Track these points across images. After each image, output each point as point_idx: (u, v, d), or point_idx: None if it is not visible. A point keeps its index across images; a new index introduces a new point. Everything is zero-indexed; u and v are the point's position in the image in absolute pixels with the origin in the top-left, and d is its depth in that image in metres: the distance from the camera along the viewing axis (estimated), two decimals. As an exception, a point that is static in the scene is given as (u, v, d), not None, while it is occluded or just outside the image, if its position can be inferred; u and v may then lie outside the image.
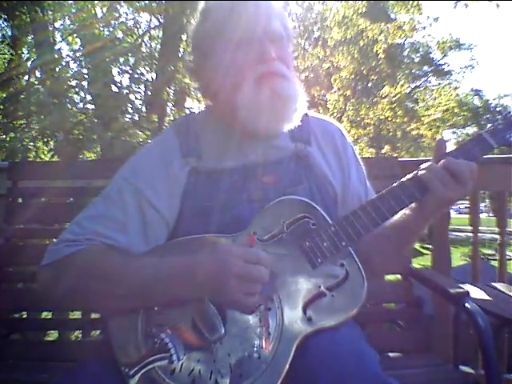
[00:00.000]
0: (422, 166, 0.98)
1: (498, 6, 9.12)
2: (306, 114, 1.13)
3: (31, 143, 8.19)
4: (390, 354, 1.53)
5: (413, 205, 0.99)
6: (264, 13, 1.02)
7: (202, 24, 1.07)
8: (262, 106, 0.98)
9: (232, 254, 0.87)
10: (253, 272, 0.86)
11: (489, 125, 1.03)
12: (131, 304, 0.91)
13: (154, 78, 9.37)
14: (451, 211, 2.16)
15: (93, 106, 8.47)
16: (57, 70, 8.24)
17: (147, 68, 9.80)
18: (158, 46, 9.90)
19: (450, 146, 1.04)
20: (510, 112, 1.03)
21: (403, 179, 0.99)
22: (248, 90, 0.98)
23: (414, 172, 0.99)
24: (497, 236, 2.16)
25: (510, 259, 2.64)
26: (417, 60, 18.70)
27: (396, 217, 1.00)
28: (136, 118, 8.37)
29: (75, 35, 9.18)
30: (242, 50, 1.00)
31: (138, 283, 0.91)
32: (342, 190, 1.13)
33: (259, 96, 0.98)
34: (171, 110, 9.63)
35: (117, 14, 9.42)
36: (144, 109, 8.88)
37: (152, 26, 10.37)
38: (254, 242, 0.92)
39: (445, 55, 19.19)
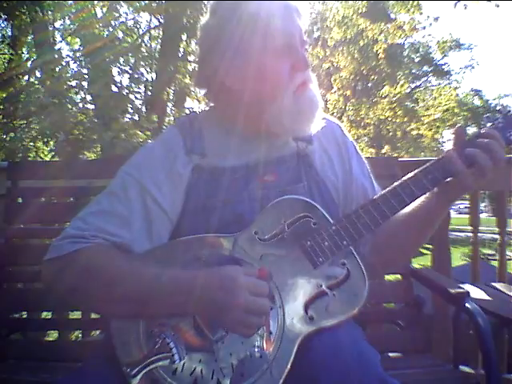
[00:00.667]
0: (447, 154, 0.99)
1: (497, 5, 9.12)
2: None
3: (31, 143, 8.19)
4: (390, 354, 1.53)
5: (435, 190, 1.00)
6: (294, 12, 1.03)
7: (212, 18, 1.05)
8: (300, 114, 1.02)
9: (239, 283, 0.85)
10: (257, 305, 0.85)
11: (489, 124, 1.04)
12: (129, 309, 0.90)
13: (154, 78, 9.37)
14: (451, 211, 2.15)
15: (93, 106, 8.47)
16: (57, 70, 8.24)
17: (147, 68, 9.81)
18: (158, 46, 9.90)
19: (451, 146, 1.04)
20: (510, 111, 1.03)
21: (405, 178, 1.00)
22: (287, 99, 1.01)
23: (419, 169, 0.99)
24: (497, 236, 2.16)
25: (510, 259, 2.64)
26: (417, 60, 18.70)
27: (414, 206, 1.02)
28: (136, 118, 8.37)
29: (75, 35, 9.18)
30: (277, 55, 1.00)
31: (138, 290, 0.90)
32: (344, 185, 1.13)
33: (298, 105, 1.02)
34: (171, 110, 9.63)
35: (117, 14, 9.42)
36: (144, 109, 8.88)
37: (152, 26, 10.37)
38: (265, 276, 0.90)
39: (445, 55, 19.20)
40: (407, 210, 1.02)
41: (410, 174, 1.00)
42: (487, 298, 1.64)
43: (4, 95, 8.38)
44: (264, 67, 1.01)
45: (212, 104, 1.16)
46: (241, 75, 1.02)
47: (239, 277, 0.86)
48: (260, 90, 1.02)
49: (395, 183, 1.00)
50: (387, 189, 1.00)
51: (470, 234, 2.22)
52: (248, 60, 1.01)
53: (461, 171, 0.95)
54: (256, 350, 0.87)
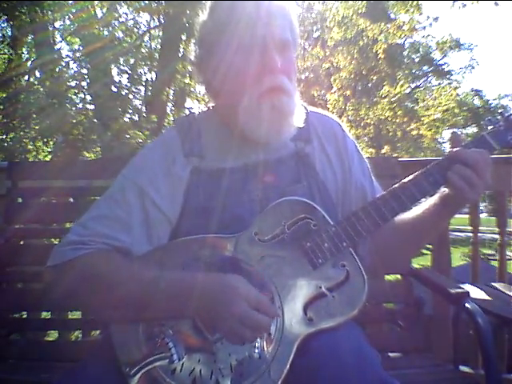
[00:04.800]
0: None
1: (496, 4, 9.12)
2: (306, 110, 1.14)
3: (31, 143, 8.19)
4: (390, 354, 1.53)
5: (436, 200, 1.00)
6: (273, 17, 1.01)
7: (210, 20, 1.06)
8: (262, 120, 0.99)
9: (239, 293, 0.86)
10: (254, 319, 0.85)
11: (490, 126, 1.04)
12: (129, 313, 0.91)
13: (154, 78, 9.37)
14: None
15: (92, 107, 8.46)
16: (57, 70, 8.23)
17: (147, 68, 9.80)
18: (158, 46, 9.89)
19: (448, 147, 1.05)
20: (511, 114, 1.03)
21: (406, 181, 1.00)
22: (250, 102, 0.99)
23: (420, 171, 0.99)
24: (497, 236, 2.16)
25: (510, 259, 2.64)
26: (417, 60, 18.70)
27: (415, 212, 1.02)
28: (136, 118, 8.37)
29: (75, 35, 9.17)
30: (248, 56, 0.99)
31: (138, 294, 0.91)
32: (342, 185, 1.13)
33: (260, 110, 0.99)
34: (171, 110, 9.63)
35: (117, 14, 9.42)
36: (144, 109, 8.88)
37: (152, 25, 10.36)
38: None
39: (445, 55, 19.21)
40: (408, 214, 1.02)
41: (411, 177, 1.00)
42: (487, 298, 1.63)
43: (4, 95, 8.37)
44: (232, 65, 1.01)
45: (211, 105, 1.16)
46: (218, 74, 1.03)
47: (241, 287, 0.87)
48: (229, 89, 1.02)
49: (396, 185, 1.00)
50: (387, 190, 1.00)
51: (470, 234, 2.22)
52: (222, 58, 1.02)
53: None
54: (255, 350, 0.87)
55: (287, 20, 1.04)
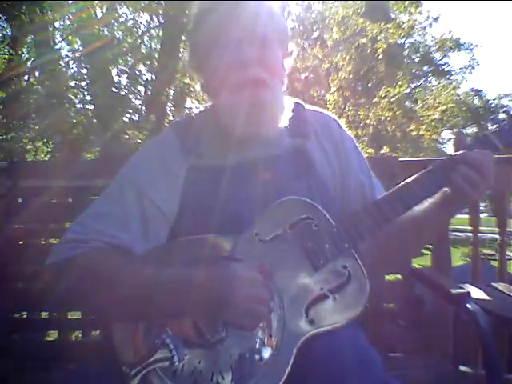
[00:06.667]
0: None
1: None
2: (304, 108, 1.14)
3: (30, 143, 8.19)
4: (390, 354, 1.53)
5: (438, 200, 1.00)
6: (247, 14, 1.02)
7: (194, 30, 1.10)
8: (240, 116, 0.99)
9: (238, 277, 0.87)
10: (259, 294, 0.87)
11: (494, 125, 1.03)
12: (130, 311, 0.91)
13: (154, 78, 9.37)
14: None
15: (92, 107, 8.46)
16: (57, 70, 8.23)
17: (147, 68, 9.80)
18: (158, 46, 9.88)
19: (451, 147, 1.04)
20: None
21: (408, 181, 0.99)
22: (226, 97, 1.01)
23: (422, 171, 0.99)
24: (497, 236, 2.16)
25: (510, 259, 2.64)
26: (417, 60, 18.70)
27: (419, 209, 1.01)
28: (135, 118, 8.37)
29: (75, 35, 9.16)
30: (221, 54, 1.02)
31: (138, 291, 0.91)
32: (341, 181, 1.13)
33: (237, 105, 1.00)
34: (171, 110, 9.63)
35: (117, 14, 9.41)
36: (144, 109, 8.88)
37: (152, 25, 10.35)
38: (263, 270, 0.91)
39: (445, 55, 19.21)
40: (409, 214, 1.02)
41: (413, 177, 0.99)
42: (487, 298, 1.63)
43: (4, 95, 8.37)
44: (213, 64, 1.04)
45: (208, 104, 1.17)
46: (207, 75, 1.08)
47: (239, 270, 0.88)
48: (214, 88, 1.06)
49: (398, 185, 1.00)
50: (390, 191, 1.00)
51: (470, 234, 2.22)
52: (207, 60, 1.05)
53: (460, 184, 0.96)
54: (256, 351, 0.87)
55: (269, 17, 1.05)
